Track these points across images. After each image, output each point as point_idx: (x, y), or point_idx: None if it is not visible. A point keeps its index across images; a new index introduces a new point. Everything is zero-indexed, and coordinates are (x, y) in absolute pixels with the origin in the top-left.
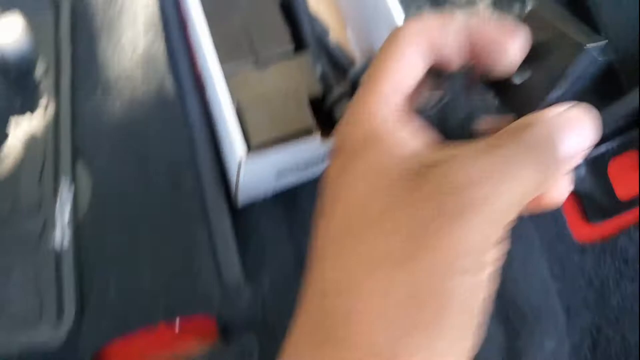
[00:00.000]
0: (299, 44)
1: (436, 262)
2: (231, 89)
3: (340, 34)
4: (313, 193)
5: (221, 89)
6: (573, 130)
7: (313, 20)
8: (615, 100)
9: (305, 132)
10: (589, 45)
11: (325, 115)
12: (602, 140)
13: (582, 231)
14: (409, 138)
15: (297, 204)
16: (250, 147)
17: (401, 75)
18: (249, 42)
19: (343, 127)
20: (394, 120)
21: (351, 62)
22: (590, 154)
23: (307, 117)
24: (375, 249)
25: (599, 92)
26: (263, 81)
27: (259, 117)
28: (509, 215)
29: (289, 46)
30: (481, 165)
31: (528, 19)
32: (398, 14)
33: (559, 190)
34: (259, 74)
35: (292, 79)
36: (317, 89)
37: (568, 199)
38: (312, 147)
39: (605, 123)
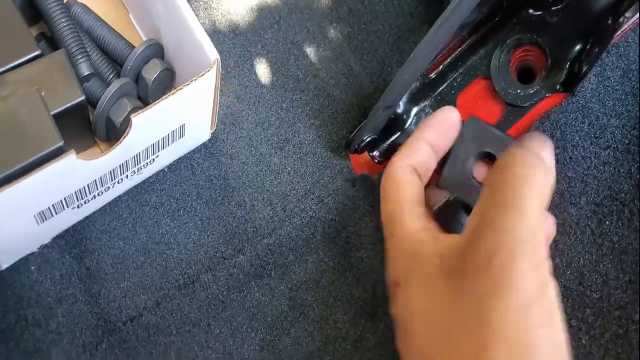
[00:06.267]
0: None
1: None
2: None
3: (122, 19)
4: (108, 227)
5: None
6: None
7: (79, 9)
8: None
9: (53, 153)
10: None
11: (107, 121)
12: (444, 74)
13: None
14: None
15: (87, 246)
16: None
17: (408, 192)
18: None
19: (393, 262)
20: (424, 230)
21: (131, 48)
22: (435, 94)
23: (51, 134)
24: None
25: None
26: None
27: None
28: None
29: (34, 51)
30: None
31: None
32: None
33: None
34: None
35: (36, 88)
36: (76, 93)
37: None
38: (68, 170)
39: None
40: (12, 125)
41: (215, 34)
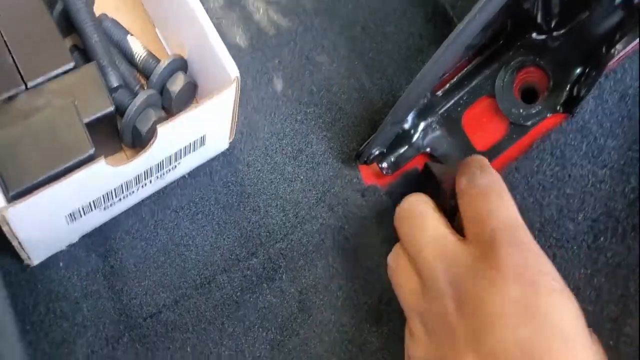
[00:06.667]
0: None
1: None
2: None
3: (148, 33)
4: (131, 229)
5: None
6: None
7: (109, 24)
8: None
9: (85, 160)
10: None
11: (133, 130)
12: (450, 92)
13: None
14: None
15: (112, 246)
16: (10, 197)
17: None
18: (13, 66)
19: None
20: None
21: (157, 62)
22: (441, 111)
23: (84, 142)
24: None
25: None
26: (30, 111)
27: (21, 158)
28: None
29: (69, 63)
30: None
31: None
32: (199, 9)
33: None
34: (24, 102)
35: (70, 98)
36: (106, 103)
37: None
38: (98, 174)
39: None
40: (48, 133)
41: (235, 48)
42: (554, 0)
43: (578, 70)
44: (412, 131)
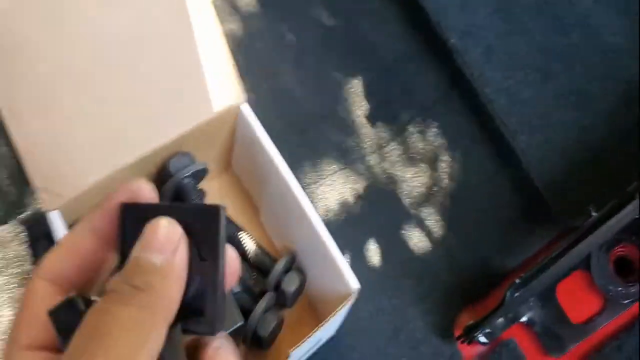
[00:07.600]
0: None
1: None
2: None
3: (255, 223)
4: None
5: None
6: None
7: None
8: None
9: None
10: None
11: (254, 334)
12: (546, 266)
13: None
14: None
15: None
16: None
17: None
18: None
19: None
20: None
21: (273, 260)
22: (537, 282)
23: None
24: None
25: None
26: None
27: None
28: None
29: None
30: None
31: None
32: (309, 208)
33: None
34: None
35: None
36: (237, 318)
37: (524, 335)
38: None
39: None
40: None
41: (332, 222)
42: None
43: None
44: (507, 303)
